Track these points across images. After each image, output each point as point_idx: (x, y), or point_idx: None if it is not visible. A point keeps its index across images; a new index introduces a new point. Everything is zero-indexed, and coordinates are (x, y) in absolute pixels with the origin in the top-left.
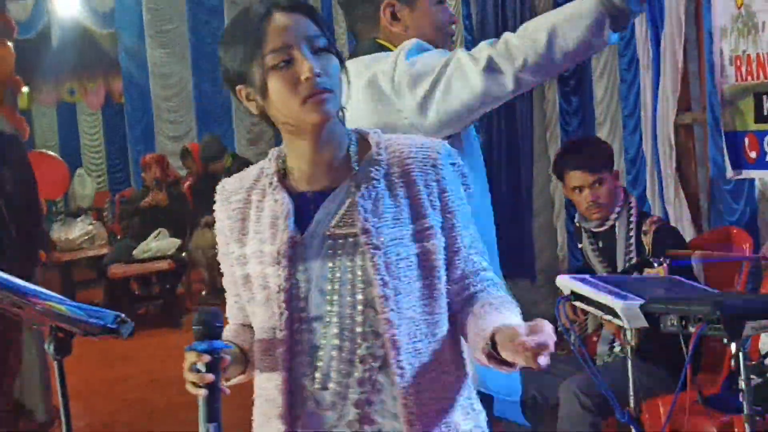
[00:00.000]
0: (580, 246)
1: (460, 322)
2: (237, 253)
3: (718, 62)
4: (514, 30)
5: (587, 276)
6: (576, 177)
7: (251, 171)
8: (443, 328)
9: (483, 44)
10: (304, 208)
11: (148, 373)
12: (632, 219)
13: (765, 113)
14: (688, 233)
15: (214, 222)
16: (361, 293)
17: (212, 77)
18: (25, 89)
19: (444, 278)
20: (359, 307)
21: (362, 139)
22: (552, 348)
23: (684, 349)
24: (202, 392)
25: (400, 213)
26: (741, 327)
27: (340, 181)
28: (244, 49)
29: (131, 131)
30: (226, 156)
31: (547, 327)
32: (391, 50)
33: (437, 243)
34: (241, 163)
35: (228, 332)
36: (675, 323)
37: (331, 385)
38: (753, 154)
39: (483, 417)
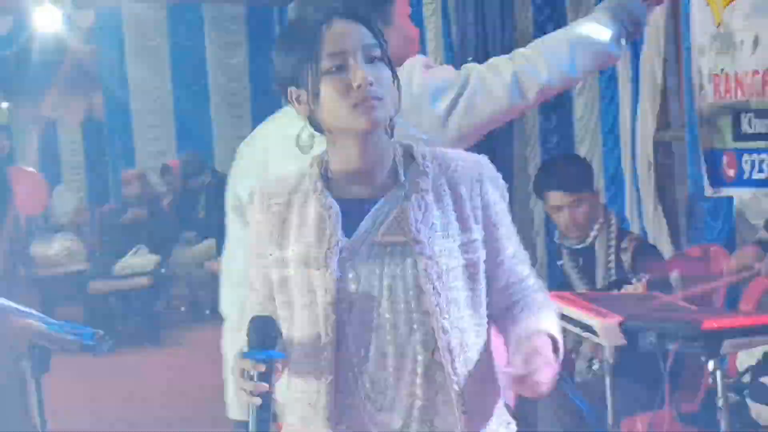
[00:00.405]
0: (559, 263)
1: (501, 329)
2: (276, 255)
3: (696, 80)
4: (494, 46)
5: (566, 293)
6: (555, 197)
7: (290, 174)
8: (484, 338)
9: (500, 60)
10: (348, 214)
11: (126, 390)
12: (612, 236)
13: (743, 131)
14: (666, 251)
15: (194, 238)
16: (414, 301)
17: (193, 94)
18: (5, 105)
19: (484, 289)
20: (414, 315)
21: (405, 150)
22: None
23: (662, 366)
24: (257, 401)
25: (448, 225)
26: (718, 345)
27: (383, 190)
28: (300, 52)
29: (111, 147)
30: (206, 172)
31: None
32: None
33: (479, 256)
34: (221, 180)
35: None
36: (653, 341)
37: (382, 390)
38: (731, 172)
39: (513, 427)
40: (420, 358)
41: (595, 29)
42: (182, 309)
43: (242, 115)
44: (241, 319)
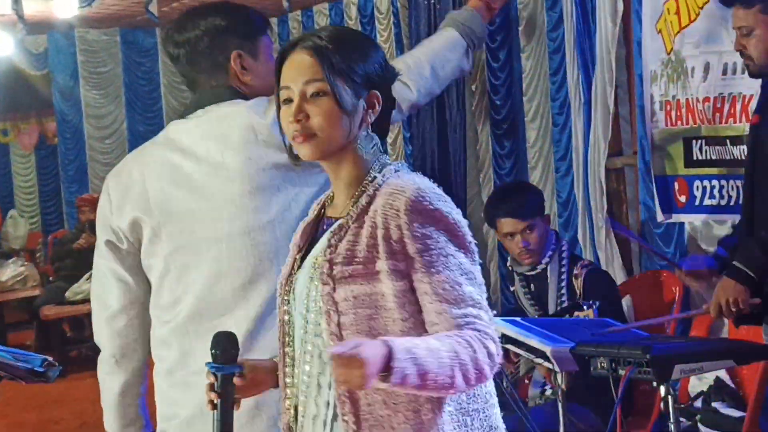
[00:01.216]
0: (512, 289)
1: None
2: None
3: (648, 107)
4: None
5: (518, 319)
6: (507, 224)
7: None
8: None
9: None
10: (321, 233)
11: (79, 415)
12: (564, 262)
13: (694, 158)
14: (618, 277)
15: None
16: (323, 322)
17: (146, 118)
18: None
19: (400, 321)
20: (322, 336)
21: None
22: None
23: (614, 391)
24: (209, 407)
25: (356, 252)
26: (670, 370)
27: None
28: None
29: (64, 172)
30: None
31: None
32: (246, 95)
33: (392, 286)
34: None
35: None
36: (605, 366)
37: (302, 399)
38: (683, 199)
39: None
40: (326, 379)
41: (448, 47)
42: None
43: None
44: (119, 350)
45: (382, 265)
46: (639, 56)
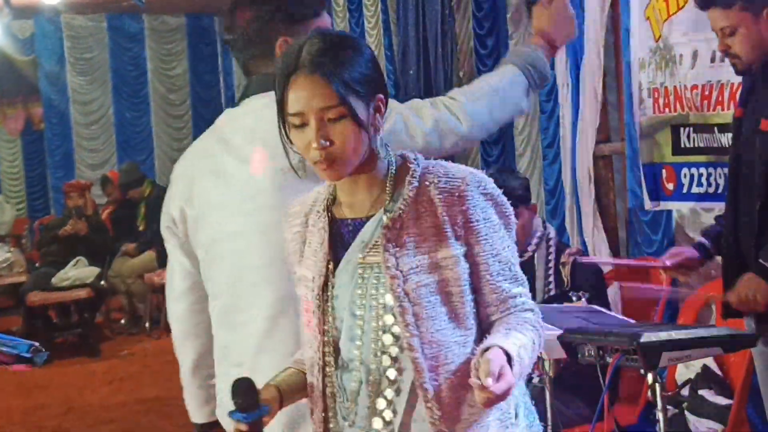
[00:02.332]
0: None
1: None
2: (297, 274)
3: (636, 94)
4: (435, 60)
5: None
6: None
7: (310, 195)
8: (471, 348)
9: (422, 104)
10: (345, 235)
11: (65, 401)
12: (551, 250)
13: (682, 145)
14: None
15: (134, 250)
16: (383, 320)
17: (132, 104)
18: None
19: (470, 302)
20: (387, 333)
21: (404, 164)
22: (495, 392)
23: (601, 379)
24: None
25: (422, 242)
26: (657, 358)
27: (377, 209)
28: (277, 98)
29: (51, 158)
30: (145, 183)
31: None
32: None
33: (459, 270)
34: (160, 191)
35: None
36: (592, 354)
37: (361, 402)
38: (670, 186)
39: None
40: (395, 375)
41: (509, 85)
42: (122, 321)
43: (183, 126)
44: (180, 334)
45: (451, 251)
46: (627, 43)
